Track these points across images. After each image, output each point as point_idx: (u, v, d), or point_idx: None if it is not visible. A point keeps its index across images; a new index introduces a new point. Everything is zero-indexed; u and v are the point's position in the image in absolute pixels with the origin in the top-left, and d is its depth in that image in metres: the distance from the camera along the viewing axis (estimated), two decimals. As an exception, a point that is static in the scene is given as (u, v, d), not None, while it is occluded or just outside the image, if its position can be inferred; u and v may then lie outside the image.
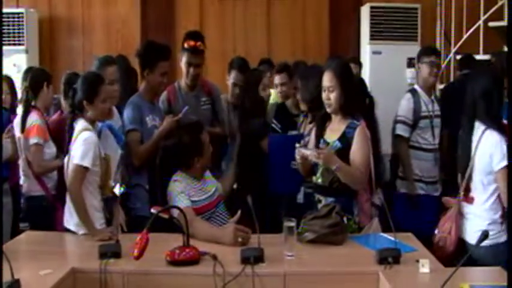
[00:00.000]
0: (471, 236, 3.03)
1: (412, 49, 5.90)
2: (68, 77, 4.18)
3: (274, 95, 4.65)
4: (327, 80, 3.14)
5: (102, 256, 2.65)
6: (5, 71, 5.05)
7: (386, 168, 4.22)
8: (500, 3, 5.64)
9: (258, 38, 6.34)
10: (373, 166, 3.20)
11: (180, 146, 3.27)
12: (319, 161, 3.04)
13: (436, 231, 3.23)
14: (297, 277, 2.57)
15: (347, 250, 2.86)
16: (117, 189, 3.14)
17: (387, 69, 5.88)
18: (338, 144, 3.14)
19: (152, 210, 2.76)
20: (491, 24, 5.70)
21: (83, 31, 6.38)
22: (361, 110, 3.44)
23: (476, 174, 3.06)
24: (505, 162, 2.87)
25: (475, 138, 3.06)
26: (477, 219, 3.06)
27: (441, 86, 5.80)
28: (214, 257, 2.60)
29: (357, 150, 3.10)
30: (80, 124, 3.14)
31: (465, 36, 5.82)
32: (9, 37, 5.90)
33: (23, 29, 5.92)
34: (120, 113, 3.65)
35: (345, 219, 2.99)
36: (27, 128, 3.87)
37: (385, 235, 2.99)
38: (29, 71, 4.54)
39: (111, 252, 2.66)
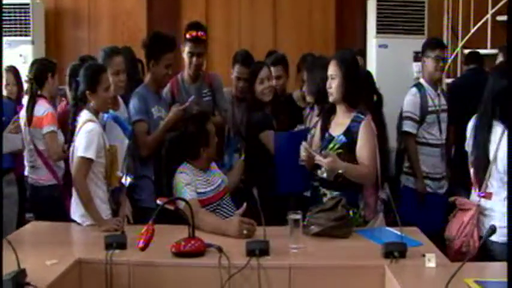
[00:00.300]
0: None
1: (419, 43, 5.78)
2: (72, 68, 4.18)
3: None
4: (330, 68, 3.15)
5: (108, 247, 2.65)
6: (11, 62, 5.07)
7: (392, 163, 4.21)
8: (508, -3, 5.61)
9: (264, 30, 6.31)
10: (380, 161, 3.19)
11: (186, 136, 3.29)
12: (324, 165, 3.04)
13: (452, 235, 3.11)
14: (302, 270, 2.57)
15: (353, 243, 2.86)
16: (126, 180, 3.13)
17: (393, 63, 5.84)
18: (343, 138, 3.13)
19: (158, 202, 2.76)
20: (499, 18, 5.67)
21: (88, 22, 6.36)
22: (369, 105, 3.43)
23: (496, 173, 2.95)
24: None
25: (494, 138, 2.95)
26: (498, 216, 2.93)
27: (448, 80, 5.77)
28: (220, 249, 2.60)
29: (363, 145, 3.09)
30: (84, 115, 3.14)
31: (473, 30, 5.79)
32: (15, 28, 5.89)
33: (29, 20, 5.91)
34: (126, 103, 3.65)
35: (350, 212, 2.99)
36: (40, 117, 3.89)
37: (391, 229, 2.99)
38: (35, 62, 4.55)
39: (116, 243, 2.66)
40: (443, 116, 4.29)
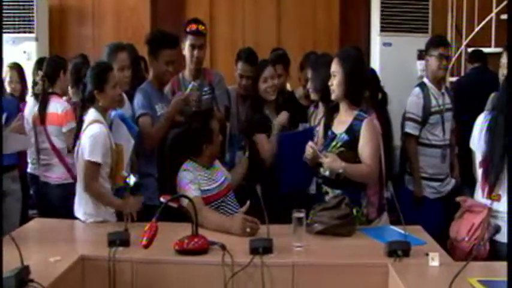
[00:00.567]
0: (503, 235, 2.89)
1: (423, 41, 5.76)
2: (74, 65, 4.20)
3: None
4: (332, 66, 3.15)
5: (111, 244, 2.65)
6: (14, 59, 5.08)
7: (396, 161, 4.19)
8: (513, -4, 5.58)
9: (268, 27, 6.30)
10: (384, 159, 3.19)
11: (189, 132, 3.30)
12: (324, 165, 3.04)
13: (460, 237, 3.02)
14: (305, 268, 2.57)
15: (356, 242, 2.86)
16: (131, 180, 3.14)
17: (397, 61, 5.83)
18: (345, 136, 3.13)
19: (161, 199, 2.76)
20: (503, 16, 5.65)
21: (92, 19, 6.37)
22: (374, 103, 3.42)
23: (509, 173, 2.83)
24: None
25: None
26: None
27: (452, 79, 5.76)
28: (223, 247, 2.59)
29: (365, 144, 3.08)
30: (90, 114, 3.14)
31: (477, 29, 5.77)
32: (19, 25, 5.90)
33: (33, 16, 5.91)
34: (130, 100, 3.65)
35: (354, 211, 2.99)
36: (59, 114, 3.88)
37: (395, 228, 2.98)
38: (42, 60, 4.55)
39: (120, 240, 2.66)
40: (448, 115, 4.24)
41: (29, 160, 4.39)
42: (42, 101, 3.98)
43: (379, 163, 3.16)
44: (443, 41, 4.41)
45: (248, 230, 2.83)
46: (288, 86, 4.83)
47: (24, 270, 2.17)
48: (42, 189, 3.98)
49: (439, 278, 2.34)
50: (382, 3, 5.90)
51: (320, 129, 3.34)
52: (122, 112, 3.40)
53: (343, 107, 3.19)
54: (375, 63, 5.85)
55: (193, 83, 3.68)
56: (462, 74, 5.93)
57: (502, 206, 2.91)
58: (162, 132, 3.54)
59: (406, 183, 4.26)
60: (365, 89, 3.31)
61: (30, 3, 5.91)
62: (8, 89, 4.65)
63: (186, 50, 3.88)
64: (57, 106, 3.91)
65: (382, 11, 5.92)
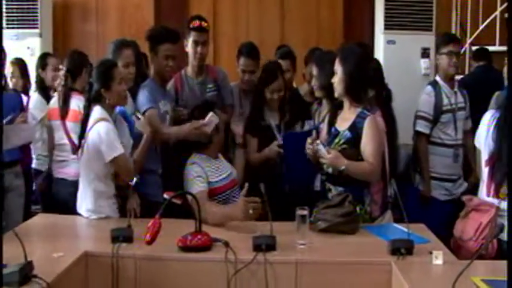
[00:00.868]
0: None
1: (427, 39, 5.84)
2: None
3: None
4: (335, 63, 3.15)
5: (114, 240, 2.65)
6: (18, 54, 5.07)
7: (400, 159, 4.16)
8: (517, -6, 5.57)
9: (272, 25, 6.30)
10: (388, 157, 3.18)
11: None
12: (326, 162, 3.03)
13: (467, 236, 2.98)
14: (308, 265, 2.57)
15: (359, 240, 2.85)
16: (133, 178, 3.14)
17: (401, 59, 5.80)
18: (348, 133, 3.13)
19: (165, 196, 2.76)
20: (507, 15, 5.64)
21: (96, 16, 6.37)
22: (378, 100, 3.41)
23: None
24: None
25: None
26: None
27: (457, 77, 5.74)
28: (226, 244, 2.60)
29: (367, 142, 3.08)
30: (96, 112, 3.14)
31: (481, 27, 5.77)
32: (23, 20, 5.90)
33: (37, 12, 5.91)
34: (133, 97, 3.63)
35: (357, 208, 2.98)
36: (81, 112, 3.82)
37: (398, 226, 2.98)
38: (46, 55, 4.54)
39: (123, 236, 2.67)
40: (460, 114, 4.17)
41: (33, 155, 4.39)
42: (64, 97, 3.92)
43: (382, 161, 3.15)
44: (452, 38, 4.36)
45: (251, 211, 2.84)
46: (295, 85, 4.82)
47: (28, 266, 2.18)
48: (56, 186, 3.93)
49: (443, 277, 2.34)
50: (386, 0, 5.88)
51: (324, 126, 3.35)
52: (124, 110, 3.39)
53: (346, 104, 3.19)
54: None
55: (212, 112, 3.38)
56: (466, 72, 5.92)
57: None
58: (167, 138, 3.50)
59: (416, 182, 4.22)
60: (367, 87, 3.29)
61: (35, -1, 5.92)
62: (10, 84, 4.63)
63: (189, 47, 3.88)
64: (78, 103, 3.84)
65: (386, 8, 5.90)
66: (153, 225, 2.47)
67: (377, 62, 3.95)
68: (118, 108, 3.29)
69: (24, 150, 4.09)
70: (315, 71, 3.66)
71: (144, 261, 2.59)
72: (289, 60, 4.37)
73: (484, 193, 3.02)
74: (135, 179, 3.16)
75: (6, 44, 3.92)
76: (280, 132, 3.72)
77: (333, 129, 3.23)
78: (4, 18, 5.86)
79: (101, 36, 6.19)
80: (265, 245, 2.57)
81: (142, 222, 2.73)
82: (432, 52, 5.84)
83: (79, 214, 3.19)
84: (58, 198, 3.80)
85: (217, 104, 3.81)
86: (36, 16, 5.91)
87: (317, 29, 6.33)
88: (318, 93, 3.68)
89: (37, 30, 5.93)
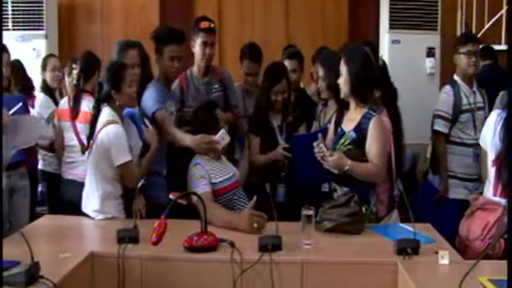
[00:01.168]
0: None
1: (432, 38, 5.83)
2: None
3: None
4: (340, 64, 3.16)
5: (120, 241, 2.66)
6: (24, 56, 5.08)
7: (406, 159, 4.14)
8: (523, -8, 5.55)
9: (277, 24, 6.29)
10: (394, 157, 3.18)
11: (198, 126, 3.34)
12: (329, 165, 3.03)
13: (474, 235, 2.96)
14: (314, 265, 2.57)
15: (365, 240, 2.85)
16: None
17: (406, 59, 5.79)
18: (353, 134, 3.13)
19: (170, 196, 2.77)
20: (508, 15, 5.62)
21: (101, 17, 6.38)
22: (384, 100, 3.40)
23: None
24: None
25: None
26: None
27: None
28: (232, 244, 2.60)
29: (372, 142, 3.08)
30: (106, 113, 3.15)
31: (487, 26, 5.75)
32: (29, 22, 5.92)
33: (42, 14, 5.92)
34: (137, 98, 3.62)
35: (363, 208, 2.98)
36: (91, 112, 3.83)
37: (404, 225, 2.98)
38: (50, 57, 4.53)
39: (129, 237, 2.67)
40: (479, 114, 4.10)
41: (39, 156, 4.40)
42: (75, 98, 3.91)
43: (388, 161, 3.15)
44: (471, 37, 4.31)
45: (255, 225, 2.84)
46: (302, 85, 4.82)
47: (34, 267, 2.18)
48: (65, 187, 3.92)
49: (449, 277, 2.33)
50: (391, 0, 5.87)
51: (331, 127, 3.34)
52: (132, 112, 3.38)
53: (351, 104, 3.19)
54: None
55: (224, 129, 3.33)
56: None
57: None
58: (177, 142, 3.46)
59: (429, 179, 4.20)
60: (373, 87, 3.28)
61: (40, 0, 5.92)
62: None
63: (197, 47, 3.86)
64: (89, 104, 3.83)
65: (391, 8, 5.89)
66: (159, 226, 2.47)
67: (383, 61, 3.94)
68: (126, 110, 3.30)
69: (30, 151, 4.10)
70: (321, 71, 3.66)
71: (150, 262, 2.59)
72: (297, 61, 4.37)
73: (490, 193, 3.01)
74: (141, 181, 3.16)
75: (11, 45, 3.92)
76: (282, 133, 3.70)
77: (338, 130, 3.23)
78: (10, 20, 5.89)
79: (106, 37, 6.20)
80: (271, 245, 2.57)
81: (148, 223, 2.74)
82: (437, 51, 5.84)
83: (85, 214, 3.20)
84: (66, 199, 3.80)
85: (224, 105, 3.83)
86: (42, 18, 5.92)
87: (322, 28, 6.32)
88: (324, 94, 3.67)
89: (43, 32, 5.93)
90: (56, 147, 4.07)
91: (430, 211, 3.92)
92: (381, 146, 3.08)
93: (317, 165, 3.12)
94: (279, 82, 3.65)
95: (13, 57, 3.86)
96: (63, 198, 3.88)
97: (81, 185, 3.35)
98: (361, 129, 3.10)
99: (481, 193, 3.58)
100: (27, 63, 4.96)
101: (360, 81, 3.10)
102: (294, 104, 3.83)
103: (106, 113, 3.15)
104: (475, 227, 2.97)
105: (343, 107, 3.26)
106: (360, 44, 3.68)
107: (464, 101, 4.11)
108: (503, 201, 2.92)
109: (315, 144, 3.07)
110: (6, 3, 5.88)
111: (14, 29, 5.89)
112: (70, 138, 3.92)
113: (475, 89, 4.20)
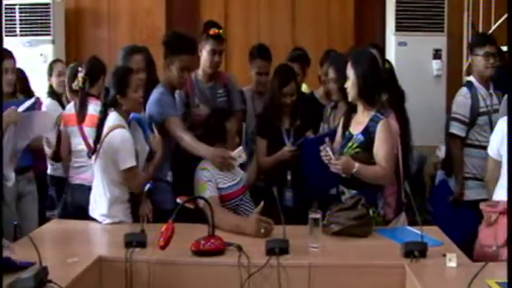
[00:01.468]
0: None
1: (439, 40, 5.83)
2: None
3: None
4: (347, 67, 3.16)
5: (128, 245, 2.66)
6: (31, 61, 5.12)
7: (413, 161, 4.12)
8: (530, -6, 5.52)
9: (283, 27, 6.30)
10: (401, 159, 3.17)
11: (205, 129, 3.36)
12: (338, 169, 3.02)
13: (500, 243, 2.90)
14: (322, 269, 2.57)
15: (372, 243, 2.84)
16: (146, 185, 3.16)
17: (413, 61, 5.78)
18: (361, 137, 3.13)
19: (178, 200, 2.77)
20: (507, 15, 5.59)
21: (108, 22, 6.40)
22: (392, 102, 3.40)
23: None
24: None
25: None
26: None
27: (469, 78, 5.71)
28: (239, 248, 2.60)
29: (380, 145, 3.07)
30: (112, 118, 3.16)
31: (494, 27, 5.72)
32: (36, 27, 5.96)
33: (49, 19, 5.96)
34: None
35: (370, 211, 2.98)
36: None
37: (411, 228, 2.97)
38: (56, 62, 4.52)
39: (136, 241, 2.67)
40: (495, 116, 4.01)
41: (48, 161, 4.42)
42: (81, 101, 3.89)
43: (396, 164, 3.14)
44: (488, 39, 4.23)
45: (262, 230, 2.84)
46: (305, 88, 4.81)
47: (43, 271, 2.19)
48: (73, 192, 3.92)
49: (457, 279, 2.33)
50: (397, 2, 5.87)
51: (339, 130, 3.34)
52: (139, 116, 3.39)
53: (359, 107, 3.19)
54: (390, 62, 5.82)
55: (241, 147, 3.33)
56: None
57: None
58: (189, 150, 3.38)
59: (451, 184, 4.14)
60: (380, 89, 3.28)
61: (47, 6, 5.96)
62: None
63: (205, 54, 3.84)
64: (95, 108, 3.82)
65: (397, 10, 5.89)
66: (166, 230, 2.48)
67: (389, 64, 3.93)
68: (133, 114, 3.31)
69: (38, 156, 4.12)
70: (332, 73, 3.64)
71: (157, 266, 2.59)
72: (299, 64, 4.36)
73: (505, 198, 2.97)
74: (148, 185, 3.18)
75: (19, 51, 3.94)
76: (289, 137, 3.69)
77: (346, 133, 3.23)
78: (17, 26, 5.93)
79: (113, 41, 6.22)
80: (278, 248, 2.57)
81: (155, 227, 2.75)
82: (444, 53, 5.83)
83: (92, 218, 3.21)
84: (75, 204, 3.81)
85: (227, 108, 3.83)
86: (49, 23, 5.95)
87: (328, 31, 6.32)
88: (335, 96, 3.66)
89: (50, 37, 5.97)
90: (62, 153, 4.07)
91: (445, 213, 3.90)
92: (388, 149, 3.08)
93: (326, 169, 3.11)
94: (287, 84, 3.64)
95: (21, 62, 3.86)
96: (72, 203, 3.88)
97: (90, 189, 3.36)
98: (368, 132, 3.10)
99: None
100: (34, 68, 5.00)
101: (367, 84, 3.10)
102: (302, 108, 3.80)
103: (113, 117, 3.16)
104: (500, 234, 2.90)
105: (351, 110, 3.26)
106: (367, 47, 3.68)
107: (482, 103, 4.05)
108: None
109: (321, 148, 3.07)
110: (14, 9, 5.92)
111: (21, 35, 5.93)
112: (77, 143, 3.92)
113: (491, 90, 4.14)
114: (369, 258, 2.65)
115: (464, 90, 4.13)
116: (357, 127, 3.18)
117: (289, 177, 3.62)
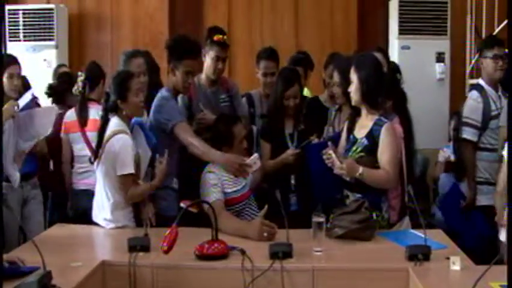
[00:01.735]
0: None
1: (442, 44, 5.82)
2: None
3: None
4: (350, 72, 3.16)
5: (132, 249, 2.67)
6: (35, 67, 5.13)
7: (417, 164, 4.10)
8: (533, -4, 5.50)
9: (286, 31, 6.30)
10: (405, 162, 3.17)
11: (212, 133, 3.39)
12: (342, 172, 3.02)
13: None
14: (325, 273, 2.57)
15: (376, 246, 2.84)
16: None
17: (416, 64, 5.77)
18: (365, 141, 3.13)
19: (181, 205, 2.77)
20: (507, 15, 5.57)
21: (111, 26, 6.41)
22: (395, 105, 3.39)
23: None
24: None
25: None
26: None
27: (473, 81, 5.70)
28: (243, 252, 2.60)
29: (384, 149, 3.07)
30: (114, 123, 3.17)
31: (497, 30, 5.71)
32: (39, 33, 5.98)
33: (53, 24, 5.97)
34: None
35: (374, 215, 2.97)
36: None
37: (415, 231, 2.97)
38: (61, 67, 4.52)
39: (140, 246, 2.68)
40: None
41: (51, 168, 4.42)
42: (82, 106, 3.90)
43: (400, 168, 3.14)
44: (497, 41, 4.20)
45: (265, 234, 2.84)
46: (306, 92, 4.81)
47: (47, 276, 2.19)
48: (77, 197, 3.92)
49: (461, 282, 2.33)
50: (400, 6, 5.87)
51: (343, 134, 3.34)
52: (141, 120, 3.39)
53: (363, 111, 3.19)
54: (394, 66, 5.81)
55: (257, 154, 3.33)
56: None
57: None
58: (200, 156, 3.34)
59: (463, 188, 4.11)
60: (384, 93, 3.27)
61: (51, 11, 5.98)
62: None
63: (209, 60, 3.83)
64: (97, 112, 3.83)
65: (400, 14, 5.88)
66: (170, 234, 2.48)
67: (394, 64, 3.90)
68: (135, 119, 3.31)
69: (41, 161, 4.12)
70: (336, 77, 3.63)
71: (161, 270, 2.60)
72: (301, 67, 4.36)
73: None
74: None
75: (23, 56, 3.95)
76: (293, 141, 3.67)
77: (351, 137, 3.23)
78: (21, 31, 5.95)
79: (116, 46, 6.23)
80: (281, 252, 2.57)
81: (159, 231, 2.75)
82: (447, 56, 5.82)
83: (95, 223, 3.22)
84: (79, 210, 3.81)
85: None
86: (52, 28, 5.97)
87: (331, 35, 6.32)
88: (340, 100, 3.66)
89: (53, 42, 5.98)
90: (64, 160, 4.07)
91: (457, 218, 3.88)
92: (392, 153, 3.08)
93: (330, 174, 3.10)
94: (291, 86, 3.64)
95: (24, 68, 3.86)
96: (75, 209, 3.89)
97: (89, 193, 3.37)
98: (373, 136, 3.10)
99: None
100: (38, 74, 5.00)
101: (371, 88, 3.10)
102: (306, 112, 3.80)
103: (114, 122, 3.16)
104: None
105: (355, 114, 3.26)
106: (372, 51, 3.67)
107: (493, 106, 4.02)
108: None
109: (323, 151, 3.07)
110: (18, 14, 5.94)
111: (25, 40, 5.94)
112: (80, 149, 3.93)
113: (500, 92, 4.11)
114: (373, 262, 2.65)
115: (474, 94, 4.09)
116: (361, 131, 3.18)
117: (292, 181, 3.61)
